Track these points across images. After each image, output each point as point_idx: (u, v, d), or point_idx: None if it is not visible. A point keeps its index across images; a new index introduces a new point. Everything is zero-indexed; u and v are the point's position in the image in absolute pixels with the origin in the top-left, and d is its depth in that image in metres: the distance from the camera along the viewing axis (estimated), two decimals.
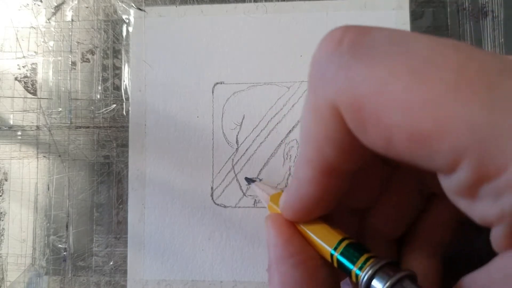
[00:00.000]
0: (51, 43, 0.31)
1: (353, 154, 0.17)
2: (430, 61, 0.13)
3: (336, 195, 0.19)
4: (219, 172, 0.29)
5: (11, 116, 0.31)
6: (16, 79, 0.31)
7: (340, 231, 0.20)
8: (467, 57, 0.13)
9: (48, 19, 0.31)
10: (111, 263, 0.29)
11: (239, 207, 0.28)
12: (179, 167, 0.29)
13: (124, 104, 0.30)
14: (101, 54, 0.30)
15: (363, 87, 0.14)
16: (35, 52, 0.31)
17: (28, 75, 0.31)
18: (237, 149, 0.29)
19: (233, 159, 0.29)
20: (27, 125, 0.30)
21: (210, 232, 0.28)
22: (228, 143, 0.29)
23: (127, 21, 0.30)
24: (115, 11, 0.31)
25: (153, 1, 0.30)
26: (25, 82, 0.31)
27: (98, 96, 0.30)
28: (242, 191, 0.28)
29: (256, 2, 0.29)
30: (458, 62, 0.13)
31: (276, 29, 0.29)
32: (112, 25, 0.31)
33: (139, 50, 0.30)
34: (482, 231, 0.26)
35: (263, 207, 0.28)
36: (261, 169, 0.28)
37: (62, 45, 0.31)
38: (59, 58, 0.31)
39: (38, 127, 0.30)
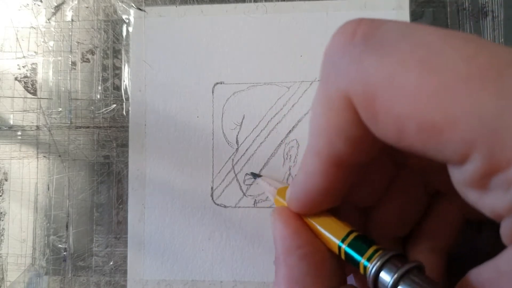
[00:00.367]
0: (51, 43, 0.31)
1: (363, 146, 0.17)
2: (441, 52, 0.13)
3: (343, 189, 0.19)
4: (219, 172, 0.29)
5: (11, 116, 0.31)
6: (16, 79, 0.31)
7: (347, 224, 0.19)
8: (477, 48, 0.13)
9: (48, 19, 0.31)
10: (111, 263, 0.29)
11: (239, 207, 0.28)
12: (179, 167, 0.29)
13: (124, 104, 0.30)
14: (101, 54, 0.30)
15: (375, 78, 0.14)
16: (35, 52, 0.31)
17: (28, 75, 0.31)
18: (237, 149, 0.29)
19: (233, 159, 0.29)
20: (27, 125, 0.30)
21: (210, 232, 0.28)
22: (228, 143, 0.29)
23: (127, 21, 0.30)
24: (115, 11, 0.31)
25: (153, 1, 0.30)
26: (25, 82, 0.31)
27: (98, 96, 0.30)
28: (242, 191, 0.28)
29: (256, 2, 0.29)
30: (468, 53, 0.13)
31: (276, 29, 0.29)
32: (112, 25, 0.31)
33: (139, 50, 0.30)
34: (482, 231, 0.26)
35: (263, 207, 0.28)
36: (261, 169, 0.28)
37: (62, 45, 0.31)
38: (59, 58, 0.31)
39: (38, 127, 0.30)
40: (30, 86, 0.31)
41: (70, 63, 0.31)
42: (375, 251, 0.18)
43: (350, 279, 0.22)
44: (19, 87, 0.31)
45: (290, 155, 0.28)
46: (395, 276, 0.16)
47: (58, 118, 0.30)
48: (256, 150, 0.29)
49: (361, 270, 0.18)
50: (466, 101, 0.13)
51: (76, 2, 0.31)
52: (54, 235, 0.30)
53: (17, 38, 0.31)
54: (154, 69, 0.30)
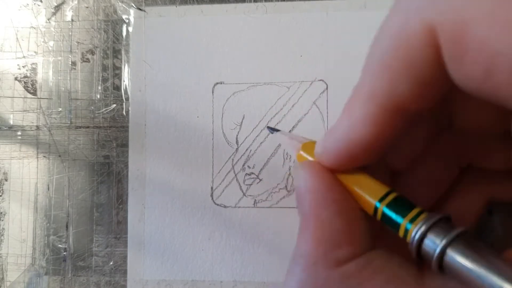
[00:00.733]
0: (51, 43, 0.31)
1: (431, 90, 0.15)
2: None
3: (388, 143, 0.17)
4: (219, 172, 0.29)
5: (11, 116, 0.31)
6: (16, 79, 0.31)
7: (384, 184, 0.18)
8: None
9: (48, 19, 0.31)
10: (111, 263, 0.29)
11: (239, 207, 0.28)
12: (179, 167, 0.29)
13: (124, 104, 0.30)
14: (101, 54, 0.30)
15: (471, 10, 0.13)
16: (35, 52, 0.31)
17: (28, 75, 0.31)
18: (237, 149, 0.29)
19: (233, 159, 0.29)
20: (27, 125, 0.30)
21: (210, 232, 0.28)
22: (228, 143, 0.29)
23: (127, 21, 0.30)
24: (115, 11, 0.31)
25: (153, 1, 0.30)
26: (25, 82, 0.31)
27: (98, 96, 0.30)
28: (242, 191, 0.28)
29: (256, 2, 0.29)
30: None
31: (276, 29, 0.29)
32: (112, 25, 0.31)
33: (139, 50, 0.30)
34: (493, 213, 0.25)
35: (263, 207, 0.28)
36: (261, 169, 0.28)
37: (62, 45, 0.31)
38: (59, 58, 0.31)
39: (38, 127, 0.30)
40: (30, 86, 0.31)
41: (70, 63, 0.31)
42: (419, 213, 0.16)
43: None
44: (19, 87, 0.31)
45: (290, 155, 0.28)
46: (444, 241, 0.15)
47: (58, 118, 0.30)
48: (256, 150, 0.29)
49: (401, 233, 0.16)
50: None
51: (76, 2, 0.31)
52: (54, 235, 0.30)
53: (17, 38, 0.31)
54: (154, 69, 0.30)
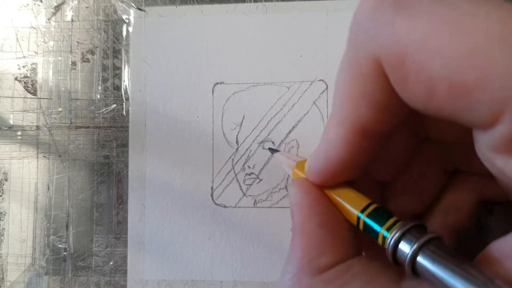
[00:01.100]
0: (51, 43, 0.31)
1: (389, 113, 0.17)
2: (473, 14, 0.13)
3: (365, 160, 0.19)
4: (219, 172, 0.29)
5: (11, 116, 0.31)
6: (16, 79, 0.31)
7: (366, 196, 0.19)
8: (509, 12, 0.13)
9: (48, 19, 0.31)
10: (111, 263, 0.29)
11: (239, 207, 0.28)
12: (179, 167, 0.29)
13: (124, 104, 0.30)
14: (101, 54, 0.30)
15: (407, 40, 0.14)
16: (35, 52, 0.31)
17: (28, 75, 0.31)
18: (237, 149, 0.29)
19: (233, 159, 0.29)
20: (27, 125, 0.30)
21: (210, 232, 0.28)
22: (228, 143, 0.29)
23: (127, 21, 0.30)
24: (115, 11, 0.31)
25: (153, 1, 0.30)
26: (25, 82, 0.31)
27: (98, 96, 0.30)
28: (242, 191, 0.28)
29: (256, 2, 0.29)
30: (501, 15, 0.13)
31: (276, 29, 0.29)
32: (112, 25, 0.31)
33: (139, 50, 0.30)
34: (493, 212, 0.25)
35: (263, 207, 0.28)
36: (261, 169, 0.28)
37: (62, 45, 0.31)
38: (59, 58, 0.31)
39: (38, 127, 0.30)
40: (30, 86, 0.31)
41: (70, 63, 0.31)
42: (395, 222, 0.18)
43: None
44: (19, 87, 0.31)
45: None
46: (415, 246, 0.16)
47: (58, 118, 0.30)
48: (256, 150, 0.29)
49: (380, 241, 0.18)
50: (499, 61, 0.13)
51: (76, 2, 0.31)
52: (54, 235, 0.30)
53: (17, 38, 0.31)
54: (154, 69, 0.30)
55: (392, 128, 0.18)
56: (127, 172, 0.29)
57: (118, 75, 0.30)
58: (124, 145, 0.30)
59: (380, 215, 0.18)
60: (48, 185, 0.30)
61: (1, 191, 0.30)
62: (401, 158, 0.21)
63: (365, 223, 0.18)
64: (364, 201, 0.19)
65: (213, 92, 0.29)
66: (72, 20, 0.31)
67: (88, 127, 0.30)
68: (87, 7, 0.31)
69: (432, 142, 0.21)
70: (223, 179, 0.29)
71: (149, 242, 0.29)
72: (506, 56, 0.13)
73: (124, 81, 0.30)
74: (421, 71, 0.14)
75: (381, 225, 0.18)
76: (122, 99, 0.30)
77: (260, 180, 0.28)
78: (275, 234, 0.28)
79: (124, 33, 0.30)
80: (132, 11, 0.30)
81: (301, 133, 0.28)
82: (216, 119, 0.29)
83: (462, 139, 0.18)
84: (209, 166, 0.29)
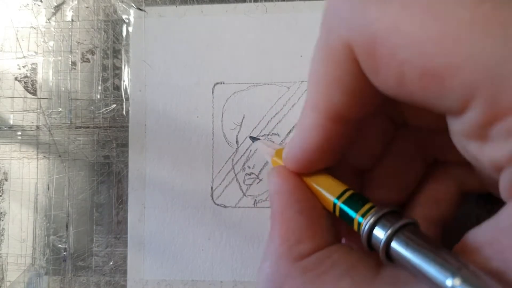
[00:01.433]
0: (51, 43, 0.31)
1: (362, 99, 0.17)
2: (445, 0, 0.13)
3: (340, 147, 0.19)
4: (219, 172, 0.29)
5: (11, 116, 0.31)
6: (16, 79, 0.31)
7: (343, 183, 0.19)
8: None
9: (48, 19, 0.31)
10: (111, 263, 0.29)
11: (239, 207, 0.28)
12: (179, 167, 0.29)
13: (124, 104, 0.30)
14: (101, 54, 0.30)
15: (378, 25, 0.14)
16: (35, 52, 0.31)
17: (28, 75, 0.31)
18: (237, 149, 0.29)
19: (233, 159, 0.29)
20: (27, 125, 0.30)
21: (210, 232, 0.28)
22: (228, 143, 0.29)
23: (127, 21, 0.30)
24: (115, 11, 0.31)
25: (153, 1, 0.30)
26: (25, 82, 0.31)
27: (98, 96, 0.30)
28: (242, 191, 0.28)
29: (256, 2, 0.29)
30: (472, 1, 0.13)
31: (276, 29, 0.29)
32: (112, 25, 0.31)
33: (139, 50, 0.30)
34: (478, 202, 0.25)
35: (263, 207, 0.28)
36: (261, 169, 0.28)
37: (62, 45, 0.31)
38: (59, 58, 0.31)
39: (38, 127, 0.30)
40: (30, 86, 0.31)
41: (70, 63, 0.31)
42: (370, 208, 0.18)
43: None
44: (19, 87, 0.31)
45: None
46: (389, 232, 0.16)
47: (58, 118, 0.30)
48: (256, 150, 0.29)
49: (355, 227, 0.18)
50: (469, 47, 0.13)
51: (76, 2, 0.31)
52: (54, 235, 0.30)
53: (17, 38, 0.31)
54: (154, 69, 0.30)
55: (367, 114, 0.18)
56: (127, 172, 0.29)
57: (118, 75, 0.30)
58: (124, 145, 0.30)
59: (355, 202, 0.18)
60: (48, 185, 0.30)
61: (1, 191, 0.30)
62: (378, 145, 0.21)
63: (341, 210, 0.18)
64: (341, 188, 0.19)
65: (213, 92, 0.29)
66: (72, 20, 0.31)
67: (88, 127, 0.30)
68: (87, 7, 0.31)
69: (409, 129, 0.21)
70: (223, 179, 0.29)
71: (149, 242, 0.29)
72: (476, 41, 0.12)
73: (124, 81, 0.30)
74: (392, 57, 0.14)
75: (356, 211, 0.18)
76: (122, 99, 0.30)
77: (260, 180, 0.28)
78: None
79: (124, 33, 0.30)
80: (132, 11, 0.30)
81: None
82: (216, 119, 0.29)
83: (438, 126, 0.18)
84: (209, 166, 0.29)
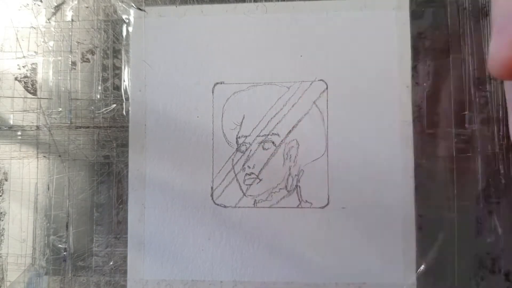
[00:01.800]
0: (51, 43, 0.31)
1: None
2: None
3: None
4: (219, 172, 0.29)
5: (11, 116, 0.31)
6: (16, 79, 0.31)
7: None
8: None
9: (48, 19, 0.31)
10: (111, 263, 0.29)
11: (239, 207, 0.28)
12: (179, 167, 0.29)
13: (124, 104, 0.30)
14: (101, 54, 0.30)
15: None
16: (35, 52, 0.31)
17: (28, 75, 0.31)
18: (237, 149, 0.29)
19: (233, 159, 0.29)
20: (27, 125, 0.31)
21: (210, 232, 0.28)
22: (228, 143, 0.29)
23: (127, 21, 0.30)
24: (115, 11, 0.31)
25: (153, 1, 0.30)
26: (25, 82, 0.31)
27: (98, 96, 0.30)
28: (242, 191, 0.28)
29: (256, 2, 0.29)
30: None
31: (276, 29, 0.29)
32: (112, 25, 0.31)
33: (139, 50, 0.30)
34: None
35: (263, 207, 0.28)
36: (261, 169, 0.28)
37: (62, 45, 0.31)
38: (59, 58, 0.31)
39: (38, 127, 0.30)
40: (30, 86, 0.31)
41: (70, 63, 0.31)
42: None
43: None
44: (19, 87, 0.31)
45: (290, 155, 0.28)
46: None
47: (58, 118, 0.30)
48: (256, 150, 0.29)
49: None
50: None
51: (76, 2, 0.31)
52: (54, 235, 0.30)
53: (17, 38, 0.31)
54: (154, 69, 0.30)
55: None
56: (127, 172, 0.29)
57: (118, 75, 0.30)
58: (124, 145, 0.30)
59: None
60: (48, 185, 0.30)
61: (1, 191, 0.30)
62: None
63: None
64: None
65: (213, 92, 0.29)
66: (72, 20, 0.31)
67: (88, 127, 0.30)
68: (87, 7, 0.31)
69: None
70: (223, 179, 0.29)
71: (149, 242, 0.29)
72: None
73: (124, 81, 0.30)
74: None
75: None
76: (122, 99, 0.30)
77: (260, 180, 0.28)
78: (275, 234, 0.28)
79: (124, 33, 0.30)
80: (132, 11, 0.30)
81: (301, 133, 0.28)
82: (216, 119, 0.29)
83: None
84: (209, 166, 0.29)
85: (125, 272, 0.29)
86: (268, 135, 0.29)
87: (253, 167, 0.29)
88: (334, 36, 0.28)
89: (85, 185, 0.30)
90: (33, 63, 0.31)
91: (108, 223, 0.29)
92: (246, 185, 0.28)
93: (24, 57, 0.31)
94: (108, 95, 0.30)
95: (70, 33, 0.31)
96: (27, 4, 0.31)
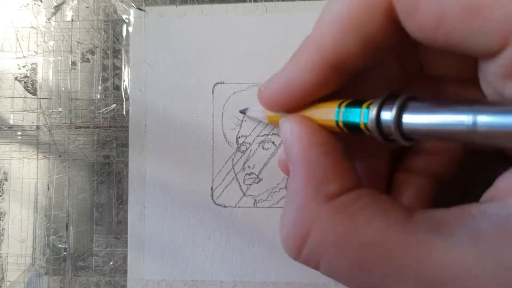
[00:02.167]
0: (51, 43, 0.31)
1: (374, 48, 0.16)
2: None
3: (330, 89, 0.18)
4: (219, 172, 0.29)
5: (11, 116, 0.31)
6: (16, 79, 0.31)
7: (332, 101, 0.19)
8: None
9: (48, 19, 0.31)
10: (111, 263, 0.29)
11: (239, 207, 0.28)
12: (179, 167, 0.29)
13: (124, 104, 0.30)
14: (101, 54, 0.30)
15: None
16: (35, 52, 0.31)
17: (28, 75, 0.31)
18: (237, 149, 0.29)
19: (233, 159, 0.29)
20: (27, 125, 0.30)
21: (210, 232, 0.28)
22: (228, 143, 0.29)
23: (127, 21, 0.30)
24: (115, 11, 0.31)
25: (153, 1, 0.30)
26: (25, 82, 0.31)
27: (98, 96, 0.30)
28: (242, 191, 0.28)
29: (256, 2, 0.29)
30: None
31: (276, 29, 0.29)
32: (112, 25, 0.31)
33: (139, 50, 0.30)
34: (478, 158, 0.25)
35: (263, 207, 0.28)
36: (261, 169, 0.28)
37: (62, 45, 0.31)
38: (59, 58, 0.31)
39: (38, 127, 0.30)
40: (30, 86, 0.31)
41: (70, 63, 0.31)
42: (370, 103, 0.17)
43: None
44: (19, 87, 0.31)
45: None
46: (395, 106, 0.15)
47: (58, 118, 0.30)
48: (256, 150, 0.29)
49: (362, 126, 0.17)
50: None
51: (76, 2, 0.31)
52: (54, 235, 0.30)
53: (17, 38, 0.31)
54: (154, 69, 0.30)
55: (368, 65, 0.18)
56: (127, 172, 0.29)
57: (118, 75, 0.30)
58: (124, 145, 0.30)
59: (356, 102, 0.17)
60: (48, 185, 0.30)
61: (1, 191, 0.30)
62: (386, 86, 0.21)
63: (344, 114, 0.18)
64: (337, 101, 0.18)
65: (213, 92, 0.29)
66: (72, 20, 0.31)
67: (88, 127, 0.30)
68: (87, 7, 0.31)
69: (424, 78, 0.21)
70: (223, 179, 0.29)
71: (149, 242, 0.29)
72: None
73: (124, 81, 0.30)
74: None
75: (360, 106, 0.17)
76: (122, 99, 0.30)
77: (260, 180, 0.28)
78: (275, 234, 0.28)
79: (124, 33, 0.30)
80: (132, 11, 0.30)
81: None
82: (216, 119, 0.29)
83: (459, 74, 0.18)
84: (209, 166, 0.29)
85: (125, 272, 0.29)
86: (268, 135, 0.29)
87: (253, 167, 0.29)
88: None
89: (85, 185, 0.30)
90: (33, 63, 0.31)
91: (108, 223, 0.29)
92: (246, 185, 0.28)
93: (24, 57, 0.31)
94: (108, 95, 0.30)
95: (70, 33, 0.31)
96: (27, 4, 0.31)
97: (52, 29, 0.31)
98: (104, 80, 0.30)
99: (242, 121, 0.29)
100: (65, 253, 0.30)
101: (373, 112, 0.16)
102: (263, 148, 0.29)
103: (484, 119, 0.13)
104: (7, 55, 0.31)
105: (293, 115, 0.20)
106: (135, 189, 0.29)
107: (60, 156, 0.30)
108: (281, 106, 0.20)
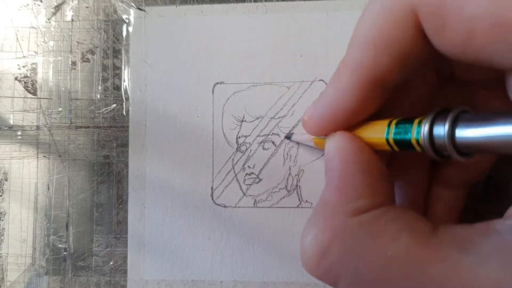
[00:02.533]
0: (51, 43, 0.31)
1: (410, 64, 0.17)
2: None
3: (372, 109, 0.18)
4: (219, 172, 0.29)
5: (11, 116, 0.31)
6: (16, 79, 0.31)
7: (381, 120, 0.19)
8: None
9: (48, 19, 0.31)
10: (111, 263, 0.29)
11: (239, 207, 0.28)
12: (179, 167, 0.29)
13: (124, 104, 0.30)
14: (101, 54, 0.30)
15: None
16: (35, 52, 0.31)
17: (28, 75, 0.31)
18: (237, 149, 0.29)
19: (233, 159, 0.29)
20: (27, 125, 0.30)
21: (210, 232, 0.28)
22: (228, 143, 0.29)
23: (127, 21, 0.30)
24: (115, 11, 0.31)
25: (153, 1, 0.30)
26: (25, 82, 0.31)
27: (98, 96, 0.30)
28: (242, 191, 0.28)
29: (256, 2, 0.29)
30: None
31: (276, 29, 0.29)
32: (112, 25, 0.31)
33: (139, 50, 0.30)
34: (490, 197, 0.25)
35: (263, 207, 0.28)
36: (261, 169, 0.28)
37: (62, 45, 0.31)
38: (59, 58, 0.31)
39: (38, 127, 0.30)
40: (30, 86, 0.31)
41: (70, 63, 0.31)
42: (421, 119, 0.17)
43: None
44: (19, 87, 0.31)
45: (290, 155, 0.28)
46: (448, 121, 0.15)
47: (58, 118, 0.30)
48: (256, 150, 0.29)
49: (413, 142, 0.17)
50: None
51: (76, 2, 0.31)
52: (54, 235, 0.30)
53: (17, 38, 0.31)
54: (154, 69, 0.30)
55: (406, 79, 0.18)
56: (127, 172, 0.29)
57: (118, 75, 0.30)
58: (124, 145, 0.30)
59: (405, 122, 0.17)
60: (48, 185, 0.30)
61: (1, 191, 0.30)
62: (423, 98, 0.21)
63: (395, 140, 0.18)
64: (384, 123, 0.18)
65: (213, 92, 0.29)
66: (72, 20, 0.31)
67: (88, 127, 0.30)
68: (87, 7, 0.31)
69: (456, 83, 0.21)
70: (223, 179, 0.29)
71: (149, 242, 0.29)
72: None
73: (124, 81, 0.30)
74: (461, 12, 0.14)
75: (411, 123, 0.17)
76: (122, 99, 0.30)
77: (260, 180, 0.28)
78: (275, 234, 0.28)
79: (124, 33, 0.30)
80: (132, 11, 0.30)
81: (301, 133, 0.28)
82: (216, 119, 0.29)
83: (488, 79, 0.18)
84: (209, 166, 0.29)
85: (125, 272, 0.29)
86: (268, 135, 0.29)
87: (253, 167, 0.29)
88: (334, 36, 0.28)
89: (85, 185, 0.30)
90: (33, 63, 0.31)
91: (108, 223, 0.29)
92: (246, 185, 0.28)
93: (24, 57, 0.31)
94: (108, 95, 0.30)
95: (70, 33, 0.31)
96: (27, 4, 0.31)
97: (52, 29, 0.31)
98: (104, 80, 0.30)
99: (242, 121, 0.29)
100: (65, 253, 0.30)
101: (425, 127, 0.16)
102: (263, 148, 0.29)
103: None
104: (7, 55, 0.31)
105: (339, 132, 0.20)
106: (135, 189, 0.29)
107: (60, 156, 0.30)
108: (326, 132, 0.20)
